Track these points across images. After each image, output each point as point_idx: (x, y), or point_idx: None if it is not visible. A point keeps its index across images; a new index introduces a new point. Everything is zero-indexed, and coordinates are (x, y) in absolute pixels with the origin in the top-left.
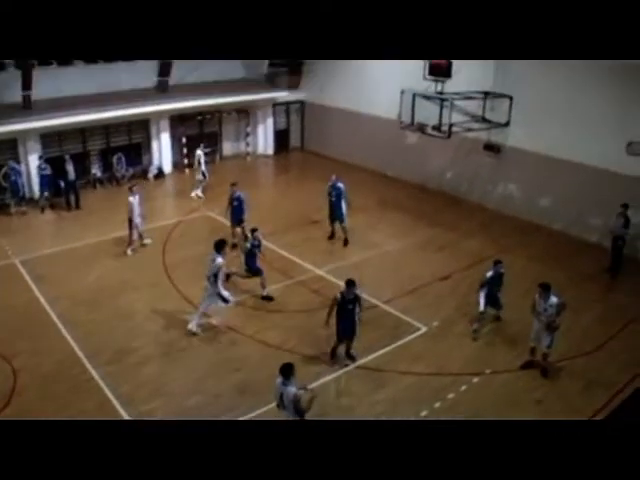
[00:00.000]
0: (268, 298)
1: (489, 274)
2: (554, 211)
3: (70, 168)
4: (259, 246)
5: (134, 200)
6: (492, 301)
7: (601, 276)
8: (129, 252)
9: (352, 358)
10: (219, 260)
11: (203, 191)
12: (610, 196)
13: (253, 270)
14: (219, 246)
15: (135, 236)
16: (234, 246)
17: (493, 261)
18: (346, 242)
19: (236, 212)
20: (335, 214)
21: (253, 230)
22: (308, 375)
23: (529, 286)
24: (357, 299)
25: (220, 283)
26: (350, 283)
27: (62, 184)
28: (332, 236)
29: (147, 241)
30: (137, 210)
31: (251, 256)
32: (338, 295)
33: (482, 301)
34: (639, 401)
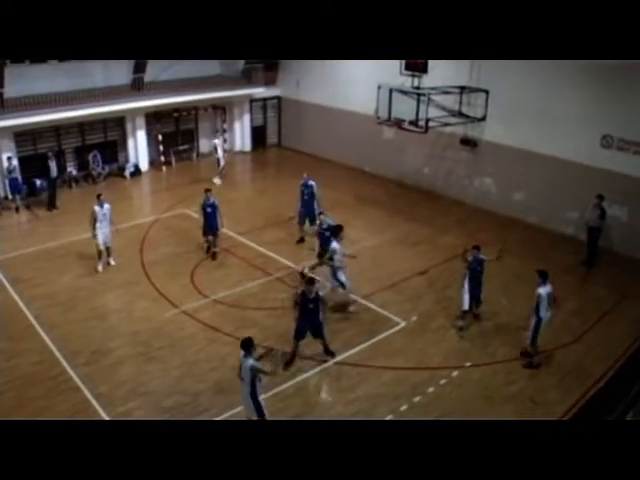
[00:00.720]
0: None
1: (469, 259)
2: (530, 205)
3: (53, 165)
4: (327, 229)
5: (99, 210)
6: (474, 298)
7: (577, 268)
8: (99, 268)
9: (331, 354)
10: (334, 244)
11: (220, 177)
12: (584, 189)
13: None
14: (335, 231)
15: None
16: (214, 255)
17: (472, 246)
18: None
19: (210, 219)
20: (308, 212)
21: (319, 213)
22: (287, 373)
23: (506, 280)
24: (319, 299)
25: (338, 266)
26: (310, 282)
27: (38, 183)
28: (301, 240)
29: (113, 262)
30: (103, 222)
31: (324, 239)
32: (299, 291)
33: (466, 298)
34: (609, 396)
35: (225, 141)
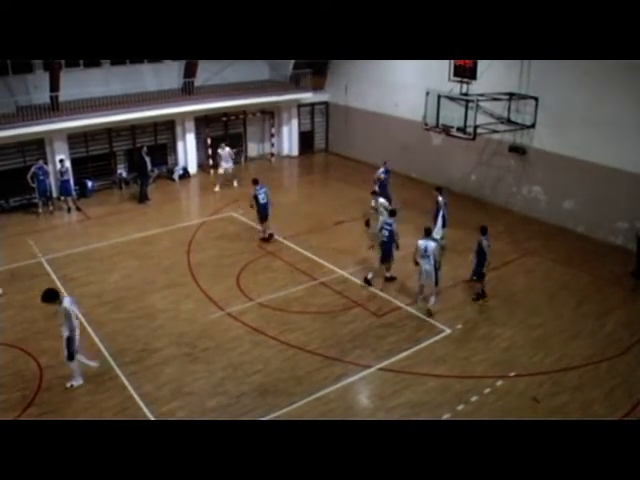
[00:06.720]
0: (392, 279)
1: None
2: (579, 214)
3: (148, 160)
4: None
5: None
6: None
7: (626, 279)
8: None
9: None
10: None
11: None
12: (635, 199)
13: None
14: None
15: None
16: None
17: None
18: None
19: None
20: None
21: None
22: (330, 377)
23: (554, 290)
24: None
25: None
26: (391, 213)
27: (89, 184)
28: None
29: None
30: None
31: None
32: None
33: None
34: None
35: (273, 146)
